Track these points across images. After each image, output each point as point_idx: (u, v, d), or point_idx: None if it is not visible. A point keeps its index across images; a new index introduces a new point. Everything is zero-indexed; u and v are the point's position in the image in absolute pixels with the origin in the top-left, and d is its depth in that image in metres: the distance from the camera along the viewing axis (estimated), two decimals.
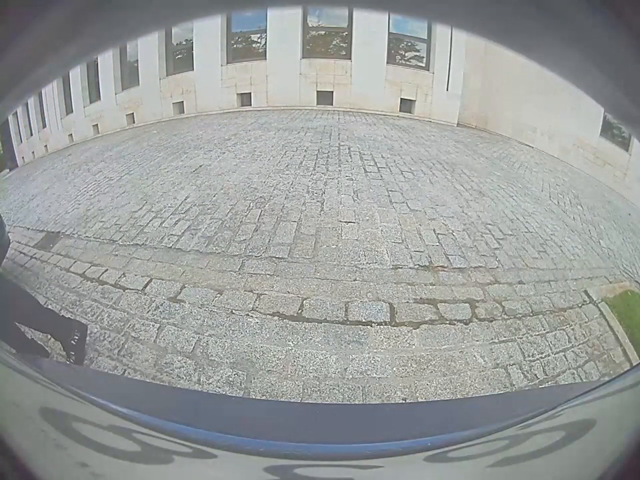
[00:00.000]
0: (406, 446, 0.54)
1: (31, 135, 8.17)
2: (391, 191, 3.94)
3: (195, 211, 3.60)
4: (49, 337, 2.44)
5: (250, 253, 2.94)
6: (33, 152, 8.12)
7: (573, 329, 2.59)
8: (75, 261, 3.16)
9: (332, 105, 7.14)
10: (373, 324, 2.37)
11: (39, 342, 2.33)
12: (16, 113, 7.09)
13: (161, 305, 2.55)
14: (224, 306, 2.49)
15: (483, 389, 2.10)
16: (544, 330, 2.52)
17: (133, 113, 7.59)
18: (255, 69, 7.10)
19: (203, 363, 2.16)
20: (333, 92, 7.16)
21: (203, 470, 0.51)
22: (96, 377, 1.12)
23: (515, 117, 6.96)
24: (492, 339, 2.38)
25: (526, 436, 0.51)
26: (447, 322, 2.43)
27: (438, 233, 3.29)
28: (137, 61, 7.33)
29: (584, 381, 2.29)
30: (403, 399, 2.00)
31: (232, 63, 7.17)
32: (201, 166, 4.69)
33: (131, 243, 3.25)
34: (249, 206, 3.59)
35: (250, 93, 7.25)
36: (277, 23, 6.78)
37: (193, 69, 7.20)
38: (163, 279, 2.76)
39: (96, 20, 0.21)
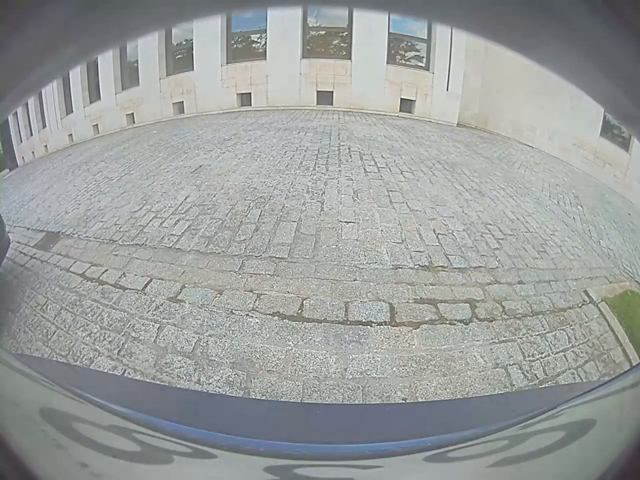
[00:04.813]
0: (406, 446, 0.54)
1: (31, 134, 8.18)
2: (390, 190, 3.94)
3: (194, 211, 3.60)
4: (49, 336, 2.44)
5: (250, 253, 2.94)
6: (33, 152, 8.12)
7: (573, 329, 2.59)
8: (75, 261, 3.16)
9: (332, 104, 7.14)
10: (372, 324, 2.37)
11: None
12: (16, 113, 7.09)
13: (161, 305, 2.55)
14: (224, 306, 2.49)
15: (482, 389, 2.10)
16: (544, 330, 2.52)
17: (133, 113, 7.60)
18: (255, 69, 7.10)
19: (202, 362, 2.16)
20: (333, 92, 7.17)
21: (203, 470, 0.51)
22: (96, 377, 1.12)
23: (515, 117, 6.96)
24: (492, 339, 2.38)
25: (526, 436, 0.51)
26: (447, 322, 2.43)
27: (438, 233, 3.29)
28: (137, 61, 7.33)
29: (584, 380, 2.29)
30: (403, 399, 2.00)
31: (232, 62, 7.18)
32: (200, 166, 4.69)
33: (131, 243, 3.25)
34: (249, 206, 3.60)
35: (250, 93, 7.26)
36: (276, 23, 6.78)
37: (193, 69, 7.20)
38: (163, 279, 2.76)
39: (96, 20, 0.21)
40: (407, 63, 7.22)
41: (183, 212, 3.61)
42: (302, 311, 2.43)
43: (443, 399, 1.98)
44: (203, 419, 0.65)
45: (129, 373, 2.14)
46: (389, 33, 6.91)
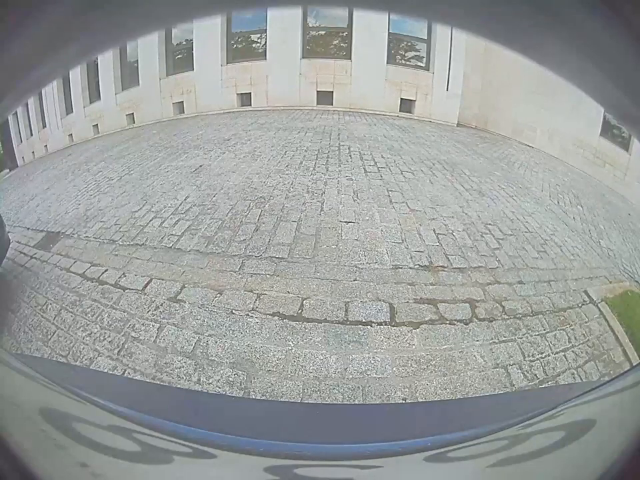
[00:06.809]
0: (406, 446, 0.54)
1: (31, 134, 8.17)
2: (390, 190, 3.93)
3: (194, 211, 3.60)
4: (49, 336, 2.45)
5: (250, 253, 2.94)
6: (33, 152, 8.12)
7: (573, 329, 2.59)
8: (75, 261, 3.16)
9: (332, 104, 7.14)
10: (372, 324, 2.37)
11: None
12: (16, 113, 7.09)
13: (161, 305, 2.54)
14: (224, 306, 2.49)
15: (482, 389, 2.10)
16: (544, 330, 2.52)
17: (132, 113, 7.59)
18: (255, 69, 7.10)
19: (202, 362, 2.16)
20: (333, 92, 7.16)
21: (203, 470, 0.51)
22: (96, 377, 1.12)
23: (515, 117, 6.96)
24: (492, 339, 2.38)
25: (526, 436, 0.51)
26: (447, 322, 2.43)
27: (438, 233, 3.29)
28: (137, 61, 7.33)
29: (584, 380, 2.29)
30: (403, 399, 2.00)
31: (232, 62, 7.17)
32: (201, 166, 4.69)
33: (131, 243, 3.25)
34: (249, 206, 3.59)
35: (250, 93, 7.25)
36: (277, 23, 6.77)
37: (193, 69, 7.20)
38: (163, 279, 2.76)
39: (96, 20, 0.21)
40: (407, 62, 7.21)
41: (183, 212, 3.61)
42: (302, 310, 2.43)
43: (442, 399, 1.98)
44: (203, 419, 0.65)
45: (129, 373, 2.14)
46: (388, 32, 6.91)
